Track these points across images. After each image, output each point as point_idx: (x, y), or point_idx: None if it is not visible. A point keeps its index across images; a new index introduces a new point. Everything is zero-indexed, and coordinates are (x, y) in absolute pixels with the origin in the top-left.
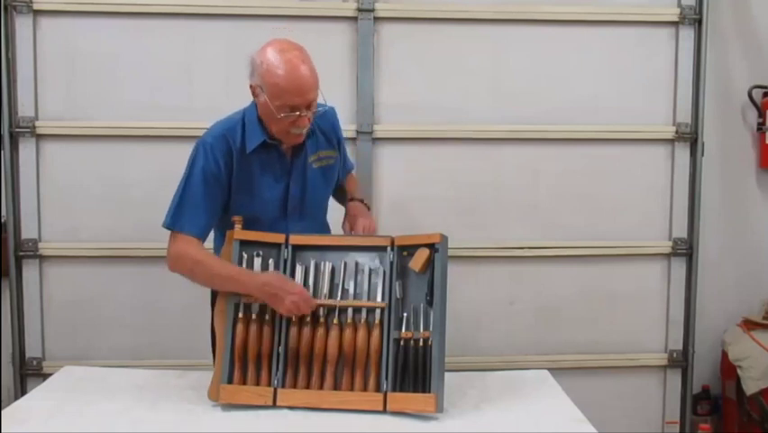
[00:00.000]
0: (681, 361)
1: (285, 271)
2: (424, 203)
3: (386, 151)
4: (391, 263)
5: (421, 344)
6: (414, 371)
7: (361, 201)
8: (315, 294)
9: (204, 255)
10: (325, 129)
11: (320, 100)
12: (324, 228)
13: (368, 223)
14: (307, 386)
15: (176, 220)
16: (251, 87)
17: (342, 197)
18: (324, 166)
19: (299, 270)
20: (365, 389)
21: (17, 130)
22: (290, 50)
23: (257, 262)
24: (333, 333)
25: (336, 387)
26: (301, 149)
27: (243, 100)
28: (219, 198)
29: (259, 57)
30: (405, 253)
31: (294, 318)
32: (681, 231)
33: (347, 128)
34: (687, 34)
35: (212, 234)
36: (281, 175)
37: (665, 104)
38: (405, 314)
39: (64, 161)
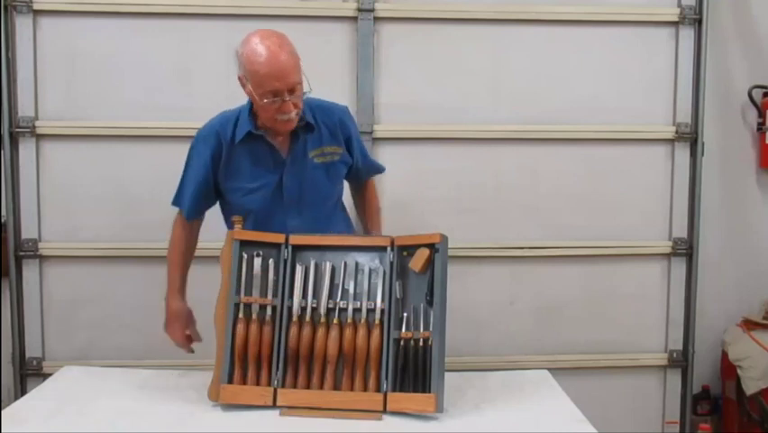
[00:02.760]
0: (681, 361)
1: (285, 271)
2: (424, 203)
3: (386, 151)
4: (391, 263)
5: (421, 344)
6: (414, 371)
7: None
8: (315, 294)
9: (177, 240)
10: (330, 125)
11: (306, 89)
12: (328, 221)
13: None
14: (307, 386)
15: (175, 198)
16: (238, 78)
17: (361, 214)
18: (328, 162)
19: (299, 270)
20: (365, 389)
21: (17, 130)
22: (269, 37)
23: (257, 262)
24: (333, 333)
25: (336, 387)
26: (299, 142)
27: (242, 100)
28: (204, 185)
29: (241, 48)
30: (405, 254)
31: (295, 318)
32: (681, 231)
33: None
34: (687, 34)
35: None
36: (274, 167)
37: (665, 104)
38: (405, 314)
39: (64, 161)
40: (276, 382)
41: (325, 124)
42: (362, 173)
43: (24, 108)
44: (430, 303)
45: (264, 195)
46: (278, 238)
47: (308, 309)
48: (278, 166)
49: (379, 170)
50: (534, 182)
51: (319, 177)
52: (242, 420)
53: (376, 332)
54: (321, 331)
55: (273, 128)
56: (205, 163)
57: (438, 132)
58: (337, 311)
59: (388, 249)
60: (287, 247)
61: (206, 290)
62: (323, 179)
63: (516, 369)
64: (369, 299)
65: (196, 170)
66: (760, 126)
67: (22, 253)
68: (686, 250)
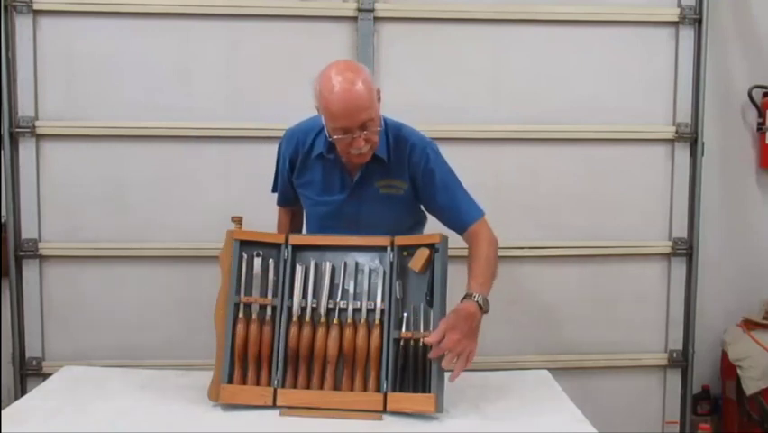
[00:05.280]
0: (681, 361)
1: (285, 271)
2: None
3: None
4: (391, 263)
5: (421, 344)
6: (414, 371)
7: (479, 302)
8: (315, 294)
9: (281, 224)
10: (399, 158)
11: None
12: None
13: (456, 343)
14: (307, 386)
15: (273, 185)
16: (316, 108)
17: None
18: (393, 194)
19: (299, 270)
20: (365, 389)
21: (17, 130)
22: (343, 71)
23: (257, 262)
24: (333, 333)
25: (336, 387)
26: (368, 171)
27: (242, 100)
28: (286, 181)
29: (316, 81)
30: (405, 253)
31: (295, 318)
32: (681, 231)
33: None
34: (687, 34)
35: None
36: (341, 189)
37: (665, 104)
38: (405, 314)
39: (64, 161)
40: (276, 382)
41: (396, 156)
42: (441, 218)
43: (24, 108)
44: (430, 303)
45: (327, 211)
46: (278, 238)
47: (308, 309)
48: (344, 188)
49: (469, 220)
50: (534, 182)
51: (380, 207)
52: (242, 420)
53: (376, 332)
54: (321, 331)
55: (346, 159)
56: (284, 162)
57: (438, 132)
58: (337, 311)
59: (388, 249)
60: (287, 247)
61: (206, 290)
62: (384, 209)
63: (516, 369)
64: (369, 299)
65: (279, 165)
66: (760, 126)
67: (22, 253)
68: (686, 250)
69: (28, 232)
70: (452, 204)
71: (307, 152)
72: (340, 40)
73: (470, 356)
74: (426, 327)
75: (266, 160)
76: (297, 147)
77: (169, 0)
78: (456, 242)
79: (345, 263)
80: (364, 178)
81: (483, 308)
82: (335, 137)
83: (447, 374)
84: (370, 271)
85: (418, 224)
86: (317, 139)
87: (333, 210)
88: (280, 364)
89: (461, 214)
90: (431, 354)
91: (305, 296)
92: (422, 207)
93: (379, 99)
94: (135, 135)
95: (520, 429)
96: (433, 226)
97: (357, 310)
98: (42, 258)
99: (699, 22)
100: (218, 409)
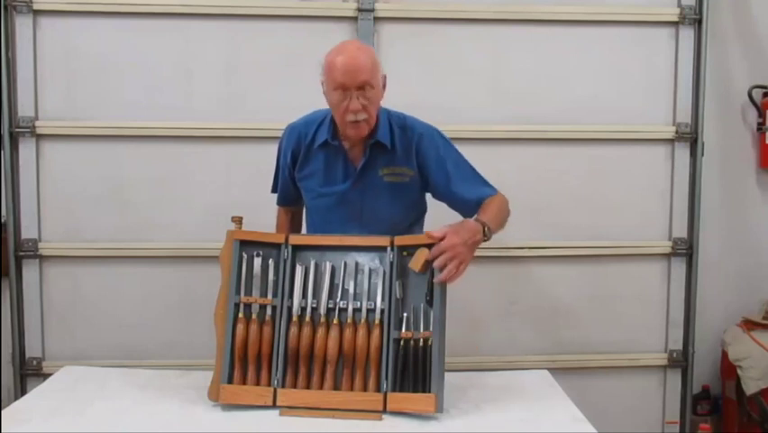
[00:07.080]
0: (681, 361)
1: (285, 271)
2: None
3: None
4: (391, 263)
5: (421, 344)
6: (414, 371)
7: (483, 225)
8: (315, 294)
9: (280, 225)
10: (406, 145)
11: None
12: None
13: (454, 246)
14: (307, 386)
15: (272, 184)
16: (321, 83)
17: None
18: (397, 182)
19: (299, 270)
20: (365, 389)
21: (17, 130)
22: (353, 42)
23: (257, 262)
24: (333, 333)
25: (336, 387)
26: (371, 158)
27: (242, 100)
28: (286, 177)
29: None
30: (405, 253)
31: (295, 318)
32: (681, 231)
33: None
34: (687, 34)
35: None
36: (344, 178)
37: (665, 104)
38: (405, 314)
39: (64, 161)
40: (276, 382)
41: (401, 144)
42: (453, 204)
43: (24, 108)
44: (430, 303)
45: (330, 202)
46: (278, 238)
47: (308, 309)
48: (347, 177)
49: (482, 195)
50: (535, 182)
51: (384, 196)
52: (241, 420)
53: (376, 332)
54: (321, 331)
55: (344, 134)
56: (285, 157)
57: None
58: (337, 311)
59: (388, 249)
60: (287, 247)
61: (206, 290)
62: (387, 197)
63: (516, 369)
64: (369, 299)
65: (279, 161)
66: (760, 126)
67: (22, 253)
68: (686, 250)
69: (28, 232)
70: (468, 188)
71: (310, 144)
72: (340, 40)
73: (462, 267)
74: (426, 327)
75: (266, 160)
76: (299, 139)
77: (169, 0)
78: None
79: (345, 263)
80: (368, 165)
81: (485, 233)
82: (334, 95)
83: (447, 375)
84: (370, 271)
85: (420, 216)
86: (320, 129)
87: (336, 201)
88: (280, 364)
89: (477, 191)
90: (431, 254)
91: (305, 296)
92: (431, 194)
93: (384, 86)
94: (135, 135)
95: (520, 429)
96: (433, 225)
97: (357, 310)
98: (42, 258)
99: (699, 22)
100: (218, 410)
